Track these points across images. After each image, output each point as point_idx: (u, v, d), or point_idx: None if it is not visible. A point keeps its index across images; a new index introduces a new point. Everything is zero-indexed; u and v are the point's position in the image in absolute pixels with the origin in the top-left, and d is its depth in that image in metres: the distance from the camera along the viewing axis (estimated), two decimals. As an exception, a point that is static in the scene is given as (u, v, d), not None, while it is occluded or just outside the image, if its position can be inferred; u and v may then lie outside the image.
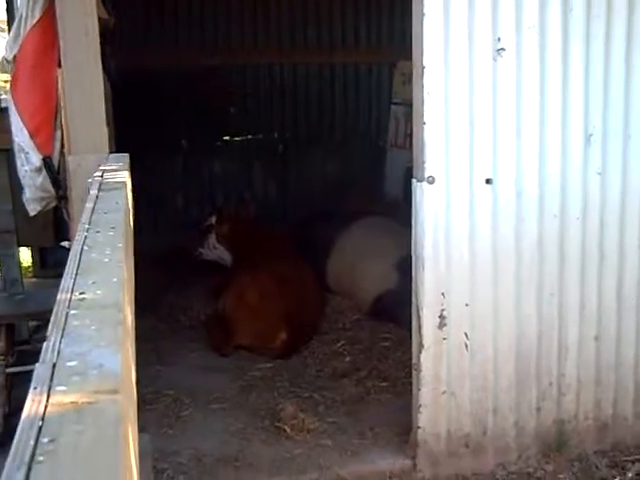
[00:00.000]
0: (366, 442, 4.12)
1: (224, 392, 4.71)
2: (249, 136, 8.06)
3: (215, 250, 6.57)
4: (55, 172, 3.47)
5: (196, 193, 8.00)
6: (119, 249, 1.66)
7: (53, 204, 3.63)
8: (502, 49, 3.69)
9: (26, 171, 3.50)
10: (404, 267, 5.28)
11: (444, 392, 3.90)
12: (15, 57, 3.46)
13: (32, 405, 0.91)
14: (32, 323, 5.77)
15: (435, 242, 3.78)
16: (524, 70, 3.71)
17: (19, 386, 4.48)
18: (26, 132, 3.45)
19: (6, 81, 8.27)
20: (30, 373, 3.38)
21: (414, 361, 3.93)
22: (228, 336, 5.32)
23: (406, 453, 3.97)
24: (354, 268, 5.90)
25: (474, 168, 3.77)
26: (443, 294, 3.82)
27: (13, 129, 3.50)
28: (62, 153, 3.53)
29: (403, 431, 4.08)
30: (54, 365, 1.02)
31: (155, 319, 5.72)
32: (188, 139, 7.84)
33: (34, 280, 7.34)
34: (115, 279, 1.42)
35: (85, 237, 1.77)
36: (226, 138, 8.06)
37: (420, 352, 3.86)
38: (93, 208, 2.10)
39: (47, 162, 3.45)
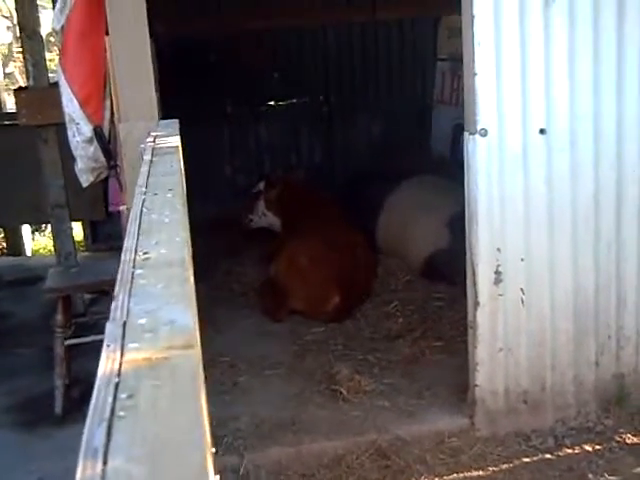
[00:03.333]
0: (423, 402, 4.11)
1: (279, 357, 4.73)
2: (294, 100, 8.00)
3: (265, 217, 6.57)
4: (106, 141, 3.48)
5: (243, 159, 7.99)
6: (178, 210, 1.65)
7: (105, 174, 3.64)
8: (554, -4, 3.59)
9: (77, 142, 3.51)
10: (455, 225, 5.23)
11: (501, 349, 3.86)
12: (63, 27, 3.46)
13: (107, 363, 0.89)
14: (87, 296, 5.85)
15: (489, 196, 3.72)
16: (577, 19, 3.61)
17: (77, 358, 4.55)
18: (76, 102, 3.46)
19: (51, 60, 8.36)
20: (88, 345, 3.44)
21: (469, 318, 3.89)
22: (281, 301, 5.33)
23: (464, 412, 3.95)
24: (404, 227, 5.84)
25: (527, 119, 3.69)
26: (498, 249, 3.77)
27: (63, 100, 3.51)
28: (112, 122, 3.53)
29: (460, 390, 4.06)
30: (125, 323, 1.01)
31: (208, 287, 5.73)
32: (233, 105, 7.81)
33: (86, 254, 7.44)
34: (178, 238, 1.41)
35: (144, 200, 1.76)
36: (271, 103, 8.02)
37: (476, 309, 3.81)
38: (149, 172, 2.10)
39: (98, 132, 3.46)
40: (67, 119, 3.53)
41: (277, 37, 7.84)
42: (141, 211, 1.65)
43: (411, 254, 5.78)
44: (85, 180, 3.62)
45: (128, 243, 1.40)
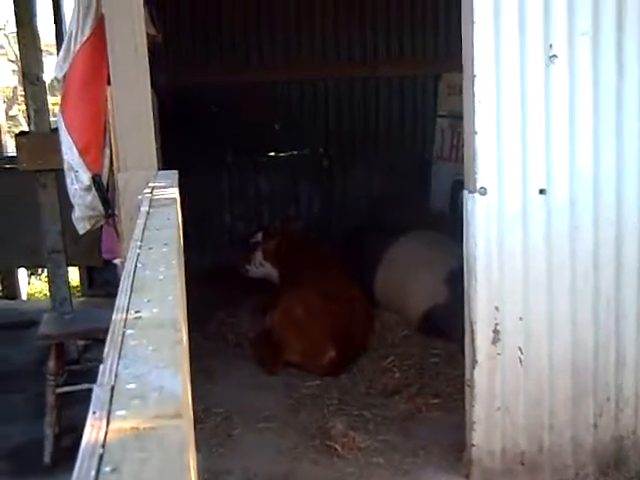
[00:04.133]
0: (418, 461, 4.04)
1: (274, 410, 4.66)
2: (294, 152, 8.04)
3: (262, 267, 6.53)
4: (104, 190, 3.47)
5: (242, 210, 7.99)
6: (173, 266, 1.63)
7: (102, 223, 3.63)
8: (554, 56, 3.61)
9: (76, 189, 3.50)
10: (453, 281, 5.22)
11: (498, 408, 3.81)
12: (65, 75, 3.48)
13: (92, 431, 0.86)
14: (81, 342, 5.79)
15: (488, 254, 3.70)
16: (577, 78, 3.62)
17: (69, 406, 4.48)
18: (75, 150, 3.45)
19: (54, 103, 8.41)
20: (80, 393, 3.39)
21: (467, 377, 3.85)
22: (276, 354, 5.27)
23: (460, 472, 3.88)
24: (402, 282, 5.82)
25: (527, 178, 3.69)
26: (497, 308, 3.74)
27: (62, 147, 3.51)
28: (111, 171, 3.53)
29: (456, 449, 3.99)
30: (112, 388, 0.98)
31: (202, 337, 5.68)
32: (233, 155, 7.85)
33: (82, 299, 7.40)
34: (170, 297, 1.38)
35: (138, 254, 1.73)
36: (271, 154, 8.06)
37: (473, 368, 3.77)
38: (145, 224, 2.08)
39: (96, 180, 3.45)
40: (66, 166, 3.53)
41: (278, 88, 7.91)
42: (135, 266, 1.63)
43: (409, 309, 5.74)
44: (82, 228, 3.60)
45: (120, 301, 1.37)
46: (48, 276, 6.02)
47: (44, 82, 5.64)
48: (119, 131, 3.36)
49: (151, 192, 2.75)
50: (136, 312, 1.30)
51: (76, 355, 5.62)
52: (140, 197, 2.68)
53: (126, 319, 1.27)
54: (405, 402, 4.69)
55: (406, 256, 5.94)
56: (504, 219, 3.69)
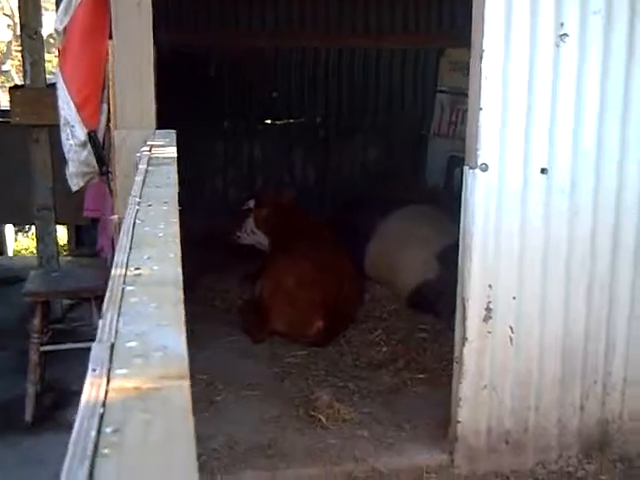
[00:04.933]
0: (403, 434, 4.02)
1: (258, 378, 4.63)
2: (291, 120, 7.95)
3: (253, 235, 6.47)
4: (100, 147, 3.40)
5: (236, 176, 7.91)
6: (173, 224, 1.58)
7: (96, 180, 3.56)
8: (565, 35, 3.56)
9: (71, 145, 3.43)
10: (446, 258, 5.19)
11: (485, 386, 3.79)
12: (65, 28, 3.39)
13: (91, 390, 0.82)
14: (65, 302, 5.74)
15: (485, 232, 3.66)
16: (587, 58, 3.58)
17: (51, 365, 4.43)
18: (73, 105, 3.38)
19: (49, 60, 8.29)
20: (63, 352, 3.35)
21: (456, 354, 3.82)
22: (263, 322, 5.24)
23: (443, 448, 3.87)
24: (394, 256, 5.77)
25: (529, 157, 3.65)
26: (490, 286, 3.71)
27: (60, 102, 3.43)
28: (108, 128, 3.46)
29: (440, 425, 3.98)
30: (112, 345, 0.94)
31: (189, 301, 5.59)
32: (230, 120, 7.75)
33: (69, 258, 7.33)
34: (172, 255, 1.34)
35: (137, 210, 1.68)
36: (268, 121, 7.96)
37: (463, 345, 3.75)
38: (143, 181, 2.02)
39: (92, 136, 3.38)
40: (62, 121, 3.45)
41: (279, 56, 7.80)
42: (134, 223, 1.57)
43: (399, 283, 5.71)
44: (75, 184, 3.53)
45: (119, 257, 1.32)
46: (36, 233, 5.95)
47: (42, 36, 5.54)
48: (118, 87, 3.29)
49: (150, 150, 2.69)
50: (136, 269, 1.25)
51: (60, 314, 5.57)
52: (139, 154, 2.62)
53: (125, 275, 1.22)
54: (391, 376, 4.66)
55: (399, 230, 5.90)
56: (504, 197, 3.65)
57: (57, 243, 5.88)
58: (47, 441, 4.00)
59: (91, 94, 3.39)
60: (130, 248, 1.38)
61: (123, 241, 1.43)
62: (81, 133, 3.39)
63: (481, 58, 3.54)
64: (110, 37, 3.27)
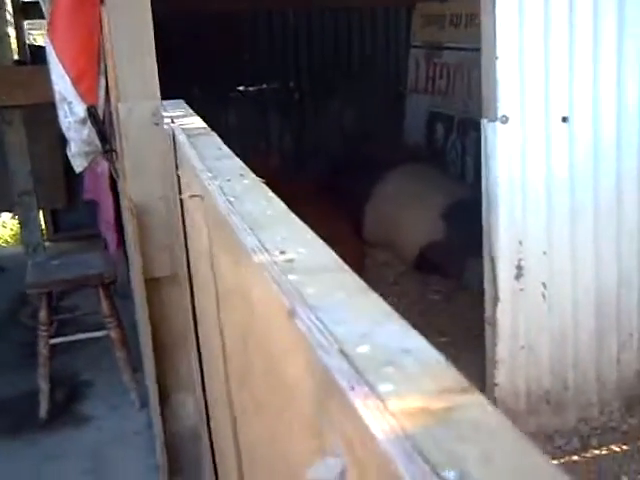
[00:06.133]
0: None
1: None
2: (264, 85, 7.66)
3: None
4: (101, 123, 3.13)
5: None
6: (274, 199, 1.37)
7: (99, 159, 3.30)
8: (579, -28, 3.37)
9: (70, 123, 3.14)
10: (450, 216, 5.04)
11: (522, 347, 3.65)
12: (51, -6, 3.10)
13: (372, 416, 0.61)
14: (57, 289, 5.45)
15: (510, 186, 3.49)
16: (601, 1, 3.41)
17: (57, 356, 4.19)
18: (68, 79, 3.09)
19: (31, 28, 7.84)
20: (67, 342, 3.09)
21: (487, 314, 3.67)
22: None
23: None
24: (395, 219, 5.58)
25: (550, 105, 3.47)
26: (520, 242, 3.55)
27: (53, 76, 3.13)
28: (106, 102, 3.19)
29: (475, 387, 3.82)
30: (341, 351, 0.73)
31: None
32: (201, 90, 7.44)
33: (48, 244, 7.00)
34: (308, 235, 1.13)
35: (220, 187, 1.46)
36: (240, 88, 7.67)
37: (495, 305, 3.59)
38: (198, 155, 1.80)
39: (92, 112, 3.10)
40: (58, 97, 3.16)
41: (245, 20, 7.49)
42: (229, 201, 1.36)
43: (403, 245, 5.53)
44: (79, 165, 3.25)
45: (249, 240, 1.10)
46: (19, 220, 5.63)
47: (6, 9, 5.20)
48: (117, 56, 3.01)
49: (172, 122, 2.45)
50: (281, 253, 1.04)
51: (54, 303, 5.30)
52: (167, 126, 2.38)
53: (274, 262, 1.00)
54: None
55: (398, 191, 5.70)
56: (527, 149, 3.49)
57: (42, 229, 5.58)
58: (66, 436, 3.80)
59: (87, 66, 3.11)
60: (251, 229, 1.17)
61: (236, 221, 1.22)
62: (80, 109, 3.11)
63: (494, 3, 3.34)
64: (101, 1, 3.00)
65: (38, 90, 4.44)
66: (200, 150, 1.90)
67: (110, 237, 3.96)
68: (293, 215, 1.26)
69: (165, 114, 2.69)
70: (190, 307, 2.32)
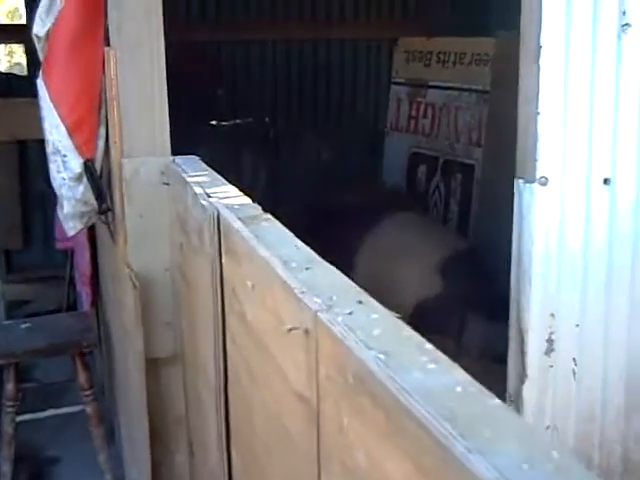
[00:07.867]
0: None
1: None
2: (238, 120, 7.31)
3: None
4: (98, 179, 2.75)
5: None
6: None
7: (94, 220, 2.90)
8: (627, 25, 3.12)
9: (63, 179, 2.76)
10: (447, 271, 4.76)
11: (548, 427, 3.35)
12: (48, 33, 2.72)
13: None
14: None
15: (546, 254, 3.20)
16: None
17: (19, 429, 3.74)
18: (64, 129, 2.71)
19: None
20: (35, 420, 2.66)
21: (510, 391, 3.36)
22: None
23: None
24: (388, 272, 5.24)
25: (592, 166, 3.20)
26: (552, 314, 3.26)
27: (46, 125, 2.75)
28: (105, 156, 2.81)
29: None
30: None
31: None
32: (173, 123, 7.05)
33: (2, 286, 6.53)
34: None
35: (350, 328, 1.12)
36: (213, 123, 7.31)
37: (522, 383, 3.29)
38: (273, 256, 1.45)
39: (89, 166, 2.72)
40: (50, 149, 2.77)
41: (222, 51, 7.15)
42: (378, 359, 1.01)
43: (396, 301, 5.17)
44: (72, 228, 2.85)
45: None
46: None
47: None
48: (125, 106, 2.67)
49: (208, 196, 2.09)
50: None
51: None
52: (206, 203, 2.02)
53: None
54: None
55: (390, 243, 5.36)
56: (565, 213, 3.20)
57: (3, 277, 5.14)
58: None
59: (85, 115, 2.73)
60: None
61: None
62: (76, 163, 2.73)
63: (538, 54, 3.06)
64: (107, 43, 2.64)
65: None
66: (271, 246, 1.54)
67: (85, 293, 3.58)
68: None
69: (189, 179, 2.32)
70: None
